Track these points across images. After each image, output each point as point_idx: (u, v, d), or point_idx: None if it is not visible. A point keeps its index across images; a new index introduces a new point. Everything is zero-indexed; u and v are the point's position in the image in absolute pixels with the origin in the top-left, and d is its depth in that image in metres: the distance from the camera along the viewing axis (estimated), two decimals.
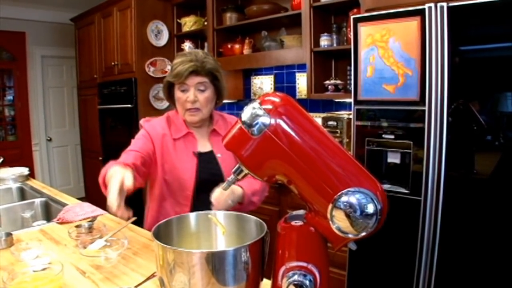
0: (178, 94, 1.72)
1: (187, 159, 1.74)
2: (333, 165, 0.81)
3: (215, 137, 1.81)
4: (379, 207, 0.79)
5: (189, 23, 4.36)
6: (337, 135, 2.92)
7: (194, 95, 1.68)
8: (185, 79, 1.66)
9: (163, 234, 0.97)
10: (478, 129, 2.01)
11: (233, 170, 0.88)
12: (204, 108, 1.72)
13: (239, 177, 0.88)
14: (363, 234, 0.79)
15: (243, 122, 0.81)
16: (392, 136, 2.23)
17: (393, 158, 2.26)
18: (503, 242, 1.95)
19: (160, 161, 1.73)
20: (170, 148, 1.75)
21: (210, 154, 1.78)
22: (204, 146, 1.80)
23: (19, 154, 5.63)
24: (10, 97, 5.80)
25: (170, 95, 1.80)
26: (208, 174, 1.73)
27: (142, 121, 1.86)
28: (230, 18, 3.88)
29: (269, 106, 0.81)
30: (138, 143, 1.74)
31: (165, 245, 0.88)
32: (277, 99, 0.83)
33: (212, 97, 1.74)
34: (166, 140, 1.76)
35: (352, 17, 2.34)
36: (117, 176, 1.22)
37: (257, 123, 0.80)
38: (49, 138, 6.20)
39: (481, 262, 2.01)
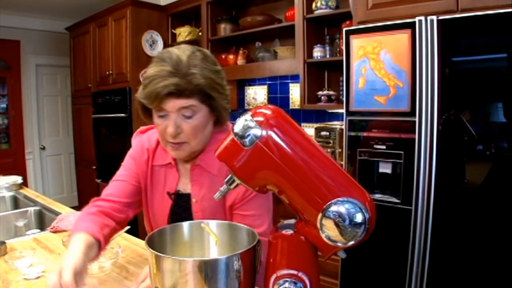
0: (155, 119, 1.24)
1: (161, 198, 1.39)
2: (323, 176, 0.83)
3: (198, 174, 1.34)
4: (367, 216, 0.81)
5: (183, 33, 4.39)
6: (330, 145, 2.95)
7: (176, 125, 1.19)
8: (161, 103, 1.17)
9: (156, 243, 0.99)
10: (468, 139, 2.04)
11: (226, 180, 0.90)
12: (192, 141, 1.23)
13: (231, 187, 0.90)
14: (352, 242, 0.81)
15: (235, 134, 0.84)
16: (384, 147, 2.26)
17: (385, 168, 2.29)
18: (493, 251, 1.97)
19: (143, 190, 1.42)
20: (150, 178, 1.40)
21: (187, 197, 1.36)
22: (185, 184, 1.37)
23: (12, 162, 5.63)
24: (3, 105, 5.79)
25: (147, 114, 1.31)
26: (180, 219, 1.28)
27: (134, 135, 1.52)
28: (224, 29, 3.92)
29: (261, 118, 0.83)
30: (123, 174, 1.42)
31: (159, 253, 0.89)
32: (268, 112, 0.85)
33: (203, 123, 1.23)
34: (149, 166, 1.41)
35: (344, 29, 2.38)
36: (70, 259, 1.02)
37: (249, 135, 0.82)
38: (42, 147, 6.19)
39: (472, 270, 2.04)
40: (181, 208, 1.36)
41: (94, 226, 1.20)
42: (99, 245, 1.17)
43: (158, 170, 1.39)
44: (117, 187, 1.39)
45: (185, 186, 1.37)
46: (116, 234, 1.43)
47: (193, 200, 1.34)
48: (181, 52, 1.19)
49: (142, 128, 1.51)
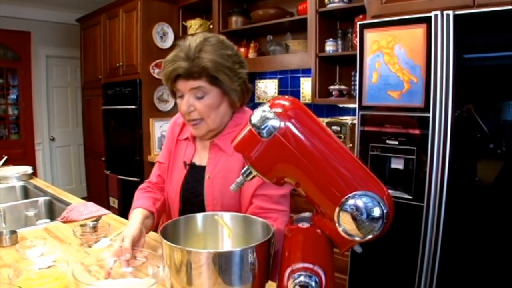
0: (177, 100, 1.41)
1: (179, 168, 1.52)
2: (341, 169, 0.82)
3: (215, 151, 1.44)
4: (385, 211, 0.79)
5: (194, 26, 4.38)
6: (341, 140, 2.93)
7: (188, 103, 1.33)
8: (174, 84, 1.35)
9: (170, 234, 0.98)
10: (481, 137, 2.02)
11: (242, 172, 0.89)
12: (208, 118, 1.36)
13: (248, 178, 0.89)
14: (369, 237, 0.80)
15: (253, 125, 0.83)
16: (396, 142, 2.24)
17: (397, 164, 2.27)
18: (504, 249, 1.95)
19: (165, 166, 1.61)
20: (173, 152, 1.57)
21: (201, 170, 1.46)
22: (201, 157, 1.49)
23: (22, 153, 5.66)
24: (14, 96, 5.82)
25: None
26: (190, 193, 1.48)
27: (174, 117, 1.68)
28: (235, 22, 3.90)
29: (279, 110, 0.82)
30: (162, 151, 1.65)
31: (173, 245, 0.89)
32: (286, 103, 0.84)
33: (216, 103, 1.35)
34: (174, 140, 1.58)
35: (358, 23, 2.35)
36: (130, 229, 1.29)
37: (266, 126, 0.81)
38: (52, 138, 6.22)
39: (482, 268, 2.02)
40: (193, 179, 1.47)
41: (147, 201, 1.48)
42: (153, 216, 1.46)
43: (182, 144, 1.55)
44: (159, 168, 1.63)
45: (201, 160, 1.49)
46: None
47: (206, 176, 1.43)
48: (195, 38, 1.34)
49: None
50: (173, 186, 1.52)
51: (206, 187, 1.42)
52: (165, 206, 1.58)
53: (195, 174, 1.48)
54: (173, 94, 1.43)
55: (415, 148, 2.17)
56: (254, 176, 0.88)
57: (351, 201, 0.80)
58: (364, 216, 0.79)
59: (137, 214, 1.39)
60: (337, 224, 0.81)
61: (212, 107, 1.35)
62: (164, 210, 1.58)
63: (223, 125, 1.43)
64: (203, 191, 1.43)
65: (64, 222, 1.90)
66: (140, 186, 1.62)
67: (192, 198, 1.46)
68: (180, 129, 1.57)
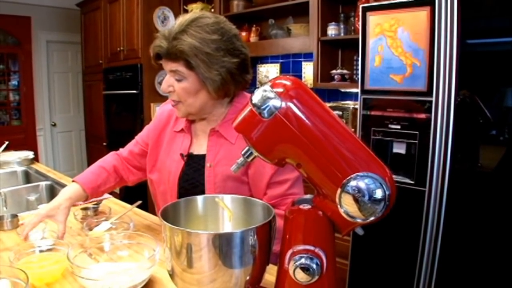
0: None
1: (175, 160, 1.46)
2: (342, 150, 0.81)
3: (215, 139, 1.40)
4: (387, 192, 0.78)
5: (195, 9, 4.33)
6: None
7: (168, 83, 1.32)
8: (157, 61, 1.34)
9: (170, 216, 0.98)
10: (484, 122, 2.01)
11: (243, 152, 0.88)
12: (185, 102, 1.33)
13: (249, 159, 0.88)
14: (371, 219, 0.79)
15: (254, 105, 0.81)
16: (398, 126, 2.23)
17: (399, 148, 2.26)
18: (505, 235, 1.95)
19: (149, 157, 1.55)
20: (165, 142, 1.52)
21: (201, 159, 1.41)
22: (199, 146, 1.45)
23: (23, 138, 5.66)
24: (15, 82, 5.81)
25: None
26: (189, 184, 1.42)
27: (162, 104, 1.63)
28: (237, 6, 3.86)
29: (280, 89, 0.81)
30: (143, 132, 1.63)
31: (173, 226, 0.88)
32: (288, 82, 0.82)
33: (193, 89, 1.30)
34: (166, 133, 1.53)
35: (360, 6, 2.33)
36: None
37: (267, 106, 0.80)
38: (53, 123, 6.22)
39: (484, 254, 2.02)
40: (192, 169, 1.42)
41: (93, 179, 1.54)
42: (86, 197, 1.51)
43: (177, 136, 1.49)
44: (135, 146, 1.63)
45: (199, 149, 1.44)
46: (128, 208, 1.62)
47: (207, 164, 1.38)
48: (187, 16, 1.29)
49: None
50: (169, 179, 1.46)
51: (207, 175, 1.38)
52: (115, 187, 1.64)
53: (193, 164, 1.43)
54: None
55: (417, 132, 2.16)
56: (254, 157, 0.87)
57: (353, 183, 0.79)
58: (366, 197, 0.78)
59: (69, 191, 1.46)
60: (338, 206, 0.80)
61: (189, 92, 1.30)
62: (109, 191, 1.64)
63: (207, 111, 1.39)
64: (203, 180, 1.38)
65: None
66: (110, 154, 1.67)
67: (192, 189, 1.40)
68: (175, 119, 1.52)
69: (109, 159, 1.64)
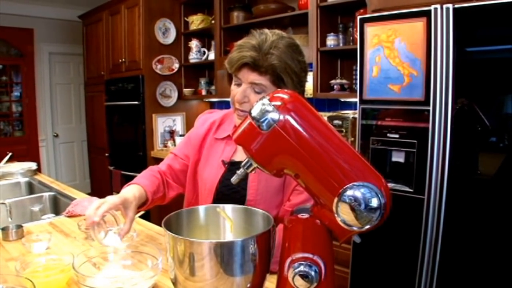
0: (232, 85, 1.36)
1: (216, 166, 1.47)
2: (339, 160, 0.83)
3: None
4: (383, 201, 0.81)
5: (196, 21, 4.39)
6: (342, 134, 2.95)
7: (244, 93, 1.29)
8: (237, 71, 1.30)
9: (173, 226, 1.00)
10: (482, 130, 2.03)
11: (243, 164, 0.91)
12: None
13: (248, 170, 0.91)
14: (367, 227, 0.82)
15: (253, 118, 0.84)
16: (397, 136, 2.25)
17: (398, 157, 2.28)
18: (505, 242, 1.96)
19: (192, 165, 1.54)
20: (207, 149, 1.52)
21: None
22: (242, 154, 1.40)
23: (25, 149, 5.70)
24: (17, 93, 5.86)
25: (230, 82, 1.41)
26: (229, 189, 1.42)
27: (201, 114, 1.65)
28: (237, 17, 3.91)
29: (278, 103, 0.84)
30: (180, 145, 1.62)
31: (176, 236, 0.91)
32: (286, 96, 0.86)
33: None
34: (207, 140, 1.53)
35: (358, 17, 2.36)
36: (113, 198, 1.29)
37: (266, 119, 0.83)
38: (55, 134, 6.25)
39: (483, 261, 2.03)
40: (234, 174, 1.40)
41: (149, 183, 1.46)
42: (147, 200, 1.43)
43: (218, 143, 1.50)
44: (172, 160, 1.59)
45: (243, 157, 1.37)
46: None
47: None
48: (271, 33, 1.30)
49: (210, 110, 1.62)
50: (206, 184, 1.47)
51: (251, 181, 1.38)
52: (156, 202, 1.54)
53: (235, 170, 1.39)
54: (230, 78, 1.38)
55: (415, 141, 2.18)
56: (254, 168, 0.90)
57: (349, 192, 0.81)
58: (362, 206, 0.80)
59: (134, 190, 1.38)
60: (336, 215, 0.83)
61: None
62: (156, 203, 1.54)
63: None
64: (246, 185, 1.39)
65: (69, 216, 1.93)
66: (150, 167, 1.59)
67: (232, 193, 1.41)
68: (216, 127, 1.53)
69: (150, 171, 1.56)
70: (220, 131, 1.51)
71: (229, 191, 1.42)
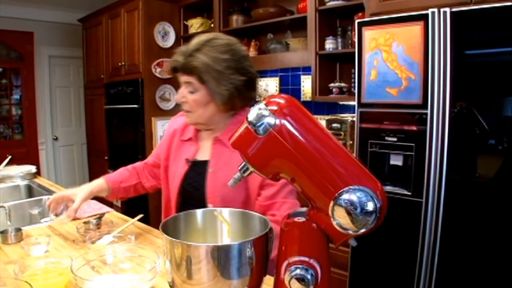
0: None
1: (180, 165, 1.59)
2: (335, 164, 0.84)
3: (218, 147, 1.51)
4: (378, 205, 0.82)
5: (195, 25, 4.41)
6: (341, 137, 2.96)
7: (182, 94, 1.47)
8: (174, 74, 1.50)
9: (170, 229, 1.01)
10: (480, 133, 2.04)
11: (239, 168, 0.92)
12: (196, 112, 1.47)
13: (245, 174, 0.92)
14: (363, 230, 0.82)
15: (249, 122, 0.85)
16: (395, 139, 2.26)
17: (396, 160, 2.29)
18: (503, 245, 1.97)
19: (162, 164, 1.68)
20: (174, 150, 1.65)
21: (204, 165, 1.53)
22: (204, 153, 1.57)
23: (25, 152, 5.69)
24: (17, 96, 5.85)
25: None
26: (192, 187, 1.55)
27: (174, 117, 1.79)
28: (236, 21, 3.92)
29: (275, 107, 0.85)
30: (158, 147, 1.81)
31: (173, 239, 0.91)
32: (282, 101, 0.86)
33: (203, 101, 1.44)
34: (175, 140, 1.66)
35: (356, 21, 2.37)
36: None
37: (262, 123, 0.84)
38: (55, 137, 6.25)
39: (481, 264, 2.04)
40: (195, 174, 1.55)
41: (116, 177, 1.79)
42: (109, 190, 1.75)
43: (183, 144, 1.63)
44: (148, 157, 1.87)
45: (203, 156, 1.57)
46: (130, 222, 1.68)
47: (210, 170, 1.51)
48: (203, 37, 1.46)
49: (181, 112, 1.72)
50: (173, 182, 1.60)
51: (209, 180, 1.49)
52: (136, 190, 1.83)
53: (197, 169, 1.55)
54: None
55: (413, 144, 2.19)
56: (251, 172, 0.90)
57: (345, 196, 0.82)
58: (358, 210, 0.81)
59: (92, 182, 1.75)
60: (331, 218, 0.84)
61: (199, 103, 1.45)
62: (130, 191, 1.82)
63: (215, 122, 1.52)
64: (204, 183, 1.50)
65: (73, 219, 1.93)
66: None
67: (193, 191, 1.54)
68: (181, 130, 1.66)
69: (134, 164, 1.88)
70: (185, 132, 1.64)
71: (192, 189, 1.55)
